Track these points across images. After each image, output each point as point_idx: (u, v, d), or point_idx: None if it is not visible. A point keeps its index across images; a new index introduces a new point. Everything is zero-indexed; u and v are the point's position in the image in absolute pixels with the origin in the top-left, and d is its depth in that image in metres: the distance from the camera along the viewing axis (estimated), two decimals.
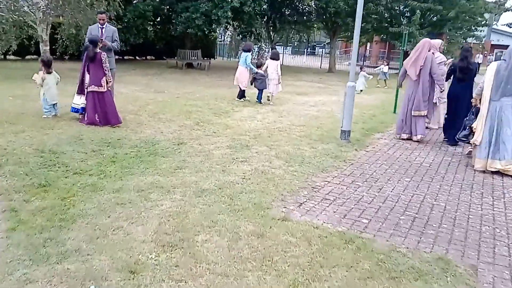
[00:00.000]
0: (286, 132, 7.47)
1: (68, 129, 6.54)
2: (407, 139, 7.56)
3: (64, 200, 3.91)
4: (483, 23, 23.86)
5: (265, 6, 22.13)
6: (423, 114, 7.37)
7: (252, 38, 26.34)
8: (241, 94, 11.08)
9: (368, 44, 37.41)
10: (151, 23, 20.54)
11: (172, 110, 8.85)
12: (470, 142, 6.25)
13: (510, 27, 23.45)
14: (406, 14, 24.38)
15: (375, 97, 14.31)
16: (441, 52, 8.31)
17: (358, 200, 4.43)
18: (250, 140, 6.71)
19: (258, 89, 10.79)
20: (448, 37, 25.26)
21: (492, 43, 47.47)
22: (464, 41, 24.61)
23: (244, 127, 7.70)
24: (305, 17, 26.13)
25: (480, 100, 6.09)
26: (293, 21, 26.43)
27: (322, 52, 46.88)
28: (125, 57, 23.30)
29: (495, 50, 44.50)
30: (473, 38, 24.61)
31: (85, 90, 6.97)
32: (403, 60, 7.72)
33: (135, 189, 4.25)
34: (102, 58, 6.85)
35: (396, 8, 23.52)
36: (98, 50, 6.91)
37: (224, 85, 14.65)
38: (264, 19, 25.85)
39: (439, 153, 6.88)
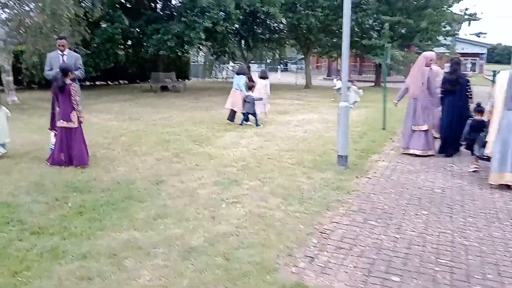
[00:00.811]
0: (276, 160, 6.74)
1: (28, 173, 5.63)
2: (412, 154, 7.30)
3: (15, 277, 3.04)
4: (450, 32, 24.12)
5: (237, 25, 21.66)
6: (423, 129, 7.18)
7: (226, 57, 25.83)
8: (233, 117, 10.53)
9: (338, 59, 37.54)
10: (122, 46, 19.68)
11: (148, 141, 8.01)
12: (485, 155, 5.85)
13: (479, 36, 23.76)
14: (375, 28, 24.46)
15: (357, 112, 13.80)
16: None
17: (379, 247, 3.71)
18: (238, 172, 5.94)
19: (246, 112, 10.18)
20: (416, 47, 25.50)
21: (457, 51, 48.55)
22: (433, 51, 24.80)
23: (229, 156, 6.93)
24: (277, 35, 25.81)
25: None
26: (266, 39, 26.07)
27: (295, 68, 46.97)
28: (97, 83, 22.31)
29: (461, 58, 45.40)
30: (445, 47, 24.80)
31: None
32: (387, 75, 7.44)
33: (106, 253, 3.40)
34: (72, 90, 5.98)
35: (366, 22, 23.52)
36: (69, 81, 6.03)
37: (201, 108, 13.91)
38: (237, 38, 25.38)
39: (446, 174, 6.28)
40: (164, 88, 20.05)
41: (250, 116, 10.23)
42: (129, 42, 20.58)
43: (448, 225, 4.29)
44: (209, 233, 3.83)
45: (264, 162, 6.60)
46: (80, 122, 6.11)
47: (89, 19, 14.10)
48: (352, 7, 6.04)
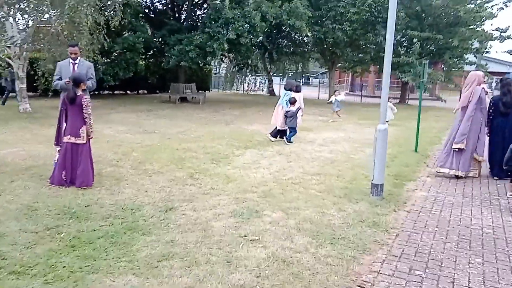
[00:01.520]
0: (302, 186, 6.01)
1: (23, 193, 5.05)
2: (449, 176, 6.93)
3: None
4: (481, 50, 23.07)
5: (261, 38, 21.17)
6: (461, 147, 6.82)
7: (248, 69, 25.37)
8: (276, 133, 10.01)
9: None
10: (143, 56, 19.39)
11: (161, 158, 7.40)
12: None
13: (511, 54, 22.54)
14: (404, 44, 23.62)
15: None
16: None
17: None
18: (258, 200, 5.24)
19: (289, 128, 9.76)
20: (443, 64, 24.51)
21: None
22: (463, 69, 23.89)
23: (248, 179, 6.25)
24: (302, 48, 25.25)
25: None
26: (290, 52, 25.53)
27: (318, 82, 46.25)
28: (115, 92, 22.07)
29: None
30: (476, 66, 23.73)
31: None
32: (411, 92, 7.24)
33: None
34: (83, 102, 5.43)
35: (394, 38, 22.73)
36: (80, 92, 5.49)
37: (221, 121, 13.30)
38: (261, 50, 24.91)
39: (494, 209, 5.44)
40: (183, 99, 19.62)
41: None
42: (151, 52, 20.30)
43: (510, 278, 3.48)
44: (223, 284, 3.13)
45: (288, 188, 5.88)
46: (89, 138, 5.54)
47: (111, 28, 13.78)
48: (381, 21, 5.34)
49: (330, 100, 15.09)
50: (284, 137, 9.78)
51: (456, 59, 22.41)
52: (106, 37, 13.10)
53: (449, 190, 6.31)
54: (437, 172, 7.16)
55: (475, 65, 23.75)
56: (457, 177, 6.90)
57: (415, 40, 20.53)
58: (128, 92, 23.20)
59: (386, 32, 4.79)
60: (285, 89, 10.41)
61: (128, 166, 6.69)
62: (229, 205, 5.00)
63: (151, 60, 21.46)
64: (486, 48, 21.88)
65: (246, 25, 16.42)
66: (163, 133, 10.27)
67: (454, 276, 3.55)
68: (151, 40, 18.20)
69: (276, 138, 9.90)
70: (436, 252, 4.03)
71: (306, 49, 24.92)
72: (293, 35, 23.60)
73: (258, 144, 9.34)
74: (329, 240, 4.07)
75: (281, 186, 5.92)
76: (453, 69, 22.84)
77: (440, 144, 10.78)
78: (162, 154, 7.68)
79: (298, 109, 9.92)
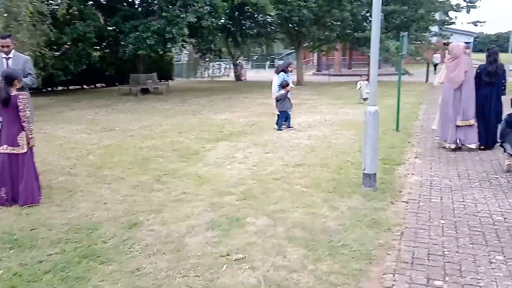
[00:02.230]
0: (285, 181, 5.34)
1: None
2: (455, 149, 6.85)
3: None
4: (447, 22, 23.02)
5: (224, 20, 20.16)
6: (472, 123, 6.74)
7: (212, 55, 24.32)
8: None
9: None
10: (97, 47, 18.02)
11: (122, 160, 6.54)
12: None
13: (476, 25, 22.61)
14: (369, 19, 23.21)
15: (359, 111, 12.50)
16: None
17: None
18: (238, 204, 4.53)
19: (279, 112, 9.15)
20: (411, 36, 24.28)
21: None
22: (430, 42, 23.80)
23: (224, 178, 5.52)
24: (266, 29, 24.37)
25: None
26: (254, 34, 24.64)
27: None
28: (70, 87, 20.61)
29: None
30: (441, 37, 23.68)
31: None
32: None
33: None
34: (19, 103, 4.48)
35: (359, 13, 22.21)
36: (15, 92, 4.53)
37: (187, 112, 12.43)
38: (224, 34, 23.90)
39: (495, 191, 4.98)
40: (145, 91, 18.46)
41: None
42: (105, 42, 18.92)
43: None
44: None
45: (270, 185, 5.19)
46: (30, 146, 4.62)
47: (58, 18, 12.51)
48: None
49: (358, 87, 14.13)
50: (282, 123, 9.19)
51: (422, 32, 22.23)
52: (52, 28, 11.81)
53: (442, 171, 5.82)
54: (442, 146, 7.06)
55: (439, 36, 23.64)
56: (453, 150, 6.85)
57: (381, 14, 20.11)
58: (85, 86, 21.72)
59: (352, 8, 4.11)
60: (277, 73, 9.85)
61: (83, 173, 5.80)
62: (204, 213, 4.26)
63: (107, 51, 20.06)
64: (451, 19, 21.72)
65: (206, 7, 15.43)
66: (124, 130, 9.33)
67: (479, 283, 2.99)
68: (104, 28, 16.86)
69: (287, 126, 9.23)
70: (451, 252, 3.46)
71: (271, 30, 24.08)
72: (256, 15, 22.68)
73: (229, 135, 8.60)
74: (327, 250, 3.42)
75: (262, 184, 5.23)
76: (422, 42, 22.72)
77: (419, 120, 10.39)
78: (123, 156, 6.81)
79: (288, 91, 9.30)
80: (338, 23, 21.78)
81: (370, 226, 3.92)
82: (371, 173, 4.88)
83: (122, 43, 16.53)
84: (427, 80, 22.98)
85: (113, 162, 6.39)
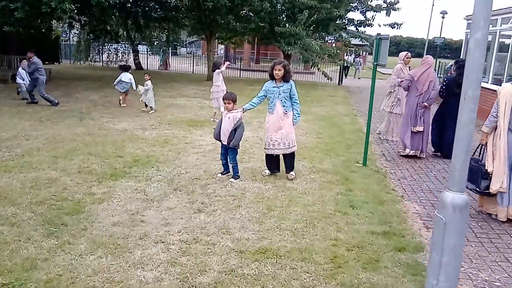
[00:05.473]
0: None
1: None
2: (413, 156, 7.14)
3: None
4: (366, 22, 22.31)
5: None
6: (421, 130, 7.12)
7: (108, 37, 20.57)
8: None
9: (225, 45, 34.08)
10: None
11: None
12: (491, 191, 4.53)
13: (393, 28, 22.23)
14: (286, 13, 21.51)
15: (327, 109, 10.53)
16: None
17: None
18: None
19: None
20: (326, 36, 23.26)
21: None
22: (350, 42, 23.11)
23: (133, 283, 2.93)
24: (174, 13, 21.24)
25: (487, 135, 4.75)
26: (160, 18, 21.46)
27: (185, 52, 41.89)
28: None
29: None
30: (359, 39, 23.03)
31: None
32: None
33: None
34: None
35: (278, 6, 20.36)
36: None
37: (72, 114, 9.27)
38: (122, 14, 20.30)
39: None
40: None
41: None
42: None
43: None
44: None
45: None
46: None
47: None
48: None
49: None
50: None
51: (342, 31, 21.25)
52: None
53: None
54: (401, 155, 7.25)
55: (339, 37, 22.49)
56: (416, 156, 7.18)
57: (301, 8, 18.51)
58: None
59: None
60: (213, 70, 9.53)
61: None
62: None
63: None
64: (370, 20, 20.99)
65: None
66: None
67: None
68: None
69: None
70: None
71: (179, 15, 21.03)
72: None
73: (134, 162, 5.88)
74: None
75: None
76: (344, 42, 22.11)
77: (373, 143, 8.51)
78: None
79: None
80: (255, 14, 19.68)
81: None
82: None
83: None
84: (339, 83, 22.22)
85: None
